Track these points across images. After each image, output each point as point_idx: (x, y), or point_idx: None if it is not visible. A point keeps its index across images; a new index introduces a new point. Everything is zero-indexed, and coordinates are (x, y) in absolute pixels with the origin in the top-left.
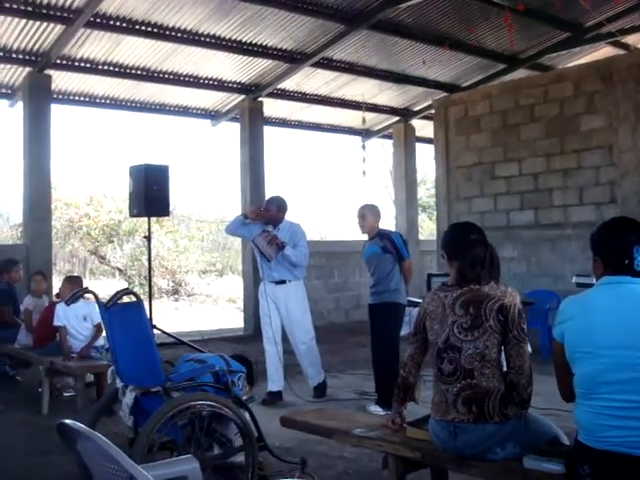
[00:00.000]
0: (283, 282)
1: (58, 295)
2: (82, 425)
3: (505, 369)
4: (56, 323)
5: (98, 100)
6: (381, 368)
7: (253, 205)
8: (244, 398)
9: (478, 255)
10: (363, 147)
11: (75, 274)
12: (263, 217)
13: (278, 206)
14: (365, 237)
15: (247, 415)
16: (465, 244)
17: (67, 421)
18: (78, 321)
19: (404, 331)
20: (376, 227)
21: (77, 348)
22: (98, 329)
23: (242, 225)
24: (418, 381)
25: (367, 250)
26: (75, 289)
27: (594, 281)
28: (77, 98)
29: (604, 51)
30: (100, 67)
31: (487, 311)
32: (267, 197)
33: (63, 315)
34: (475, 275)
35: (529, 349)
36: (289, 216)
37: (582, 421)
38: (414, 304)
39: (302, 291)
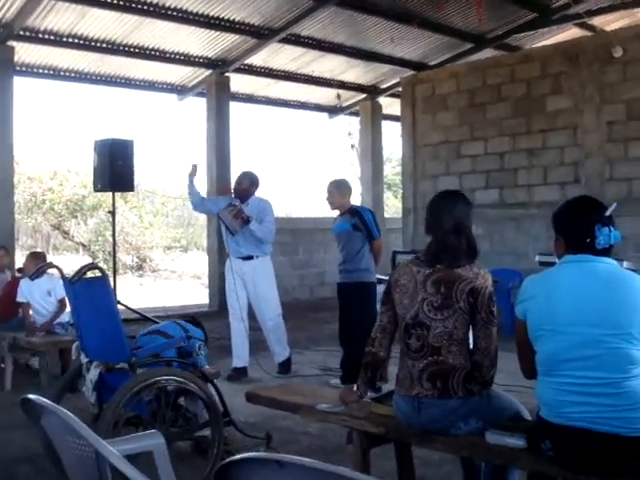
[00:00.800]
0: (250, 258)
1: (20, 270)
2: (46, 400)
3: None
4: (19, 299)
5: (62, 73)
6: (356, 348)
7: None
8: (208, 371)
9: (451, 242)
10: (349, 124)
11: (38, 249)
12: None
13: (251, 181)
14: (335, 213)
15: (213, 390)
16: (441, 227)
17: (31, 396)
18: (42, 296)
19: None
20: (346, 203)
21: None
22: (62, 304)
23: (205, 199)
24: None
25: (337, 226)
26: (39, 264)
27: (556, 260)
28: (41, 71)
29: (571, 32)
30: (64, 39)
31: (458, 292)
32: (233, 172)
33: (27, 291)
34: (447, 258)
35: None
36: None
37: (543, 397)
38: (381, 282)
39: (269, 267)
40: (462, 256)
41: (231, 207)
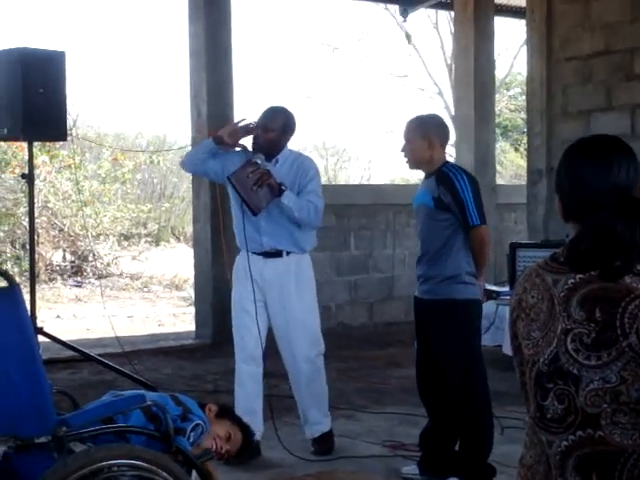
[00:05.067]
0: (277, 254)
1: None
2: None
3: None
4: None
5: None
6: (445, 409)
7: (231, 124)
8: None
9: (618, 232)
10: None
11: None
12: (246, 134)
13: (285, 123)
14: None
15: None
16: (593, 203)
17: None
18: None
19: (485, 341)
20: (436, 158)
21: None
22: None
23: (212, 156)
24: None
25: (418, 196)
26: None
27: None
28: None
29: None
30: None
31: (626, 319)
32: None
33: None
34: (608, 259)
35: None
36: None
37: None
38: (492, 295)
39: (309, 272)
40: (635, 256)
41: (251, 166)
